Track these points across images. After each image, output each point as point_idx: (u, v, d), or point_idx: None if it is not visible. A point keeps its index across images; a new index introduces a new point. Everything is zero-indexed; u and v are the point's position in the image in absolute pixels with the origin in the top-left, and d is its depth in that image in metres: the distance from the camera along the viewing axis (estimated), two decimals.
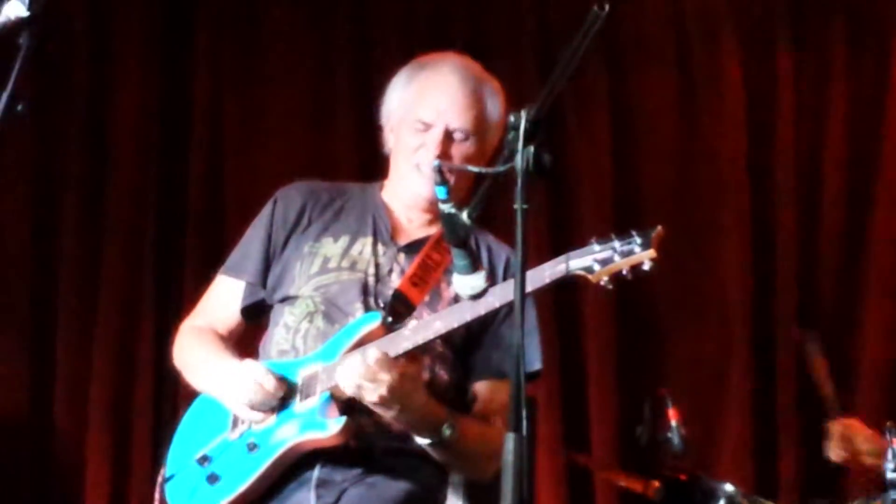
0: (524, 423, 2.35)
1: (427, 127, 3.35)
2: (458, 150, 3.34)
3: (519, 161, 2.38)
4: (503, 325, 3.33)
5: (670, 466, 4.38)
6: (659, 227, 2.97)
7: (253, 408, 3.24)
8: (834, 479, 5.17)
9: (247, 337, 3.54)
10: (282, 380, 3.24)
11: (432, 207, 3.39)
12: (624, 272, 2.98)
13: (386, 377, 3.08)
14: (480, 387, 3.35)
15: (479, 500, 3.46)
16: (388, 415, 3.15)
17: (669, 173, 5.43)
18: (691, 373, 5.33)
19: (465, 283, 2.65)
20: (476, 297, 2.68)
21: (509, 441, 2.34)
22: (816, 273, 5.36)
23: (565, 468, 5.19)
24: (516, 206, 2.38)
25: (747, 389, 5.28)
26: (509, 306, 3.17)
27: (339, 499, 3.21)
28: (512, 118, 2.41)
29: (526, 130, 2.39)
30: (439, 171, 2.61)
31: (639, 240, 2.97)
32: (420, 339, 3.16)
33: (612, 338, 5.31)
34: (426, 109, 3.36)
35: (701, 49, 5.45)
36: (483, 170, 2.52)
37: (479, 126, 3.36)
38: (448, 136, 3.34)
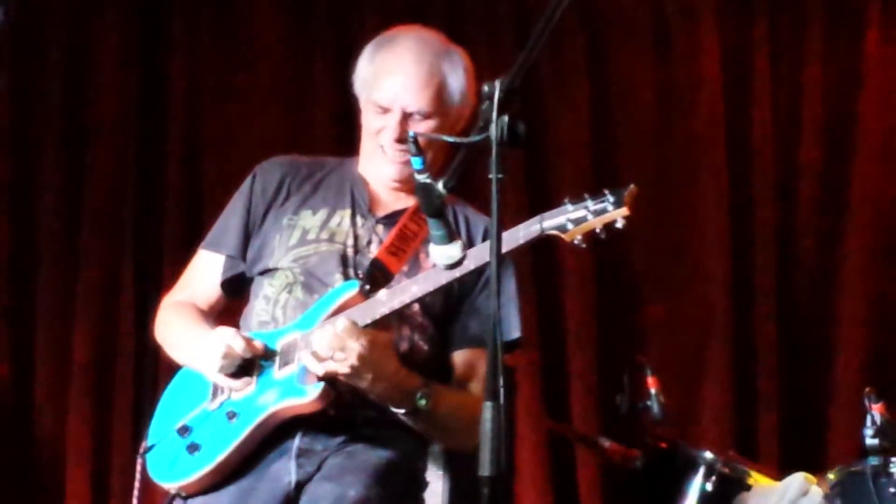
0: (501, 391, 2.35)
1: (385, 110, 3.36)
2: (420, 130, 3.31)
3: (493, 131, 2.38)
4: (482, 294, 3.34)
5: (650, 434, 4.39)
6: (632, 186, 3.00)
7: (225, 372, 3.24)
8: (813, 446, 5.22)
9: (228, 311, 3.55)
10: (253, 341, 3.25)
11: (402, 186, 3.42)
12: (597, 230, 3.01)
13: (355, 345, 3.09)
14: (459, 356, 3.37)
15: (459, 469, 3.48)
16: (360, 385, 3.15)
17: (647, 143, 5.44)
18: (671, 340, 5.36)
19: (441, 252, 2.65)
20: (453, 266, 2.68)
21: (487, 409, 2.34)
22: (795, 240, 5.39)
23: (546, 436, 5.21)
24: (491, 175, 2.38)
25: (727, 357, 5.30)
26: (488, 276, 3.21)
27: (319, 468, 3.22)
28: (486, 88, 2.40)
29: (500, 100, 2.38)
30: (415, 141, 2.60)
31: (612, 198, 3.00)
32: (397, 303, 3.17)
33: (592, 305, 5.33)
34: (382, 93, 3.36)
35: (678, 20, 5.45)
36: (458, 140, 2.51)
37: (438, 103, 3.34)
38: (407, 118, 3.34)
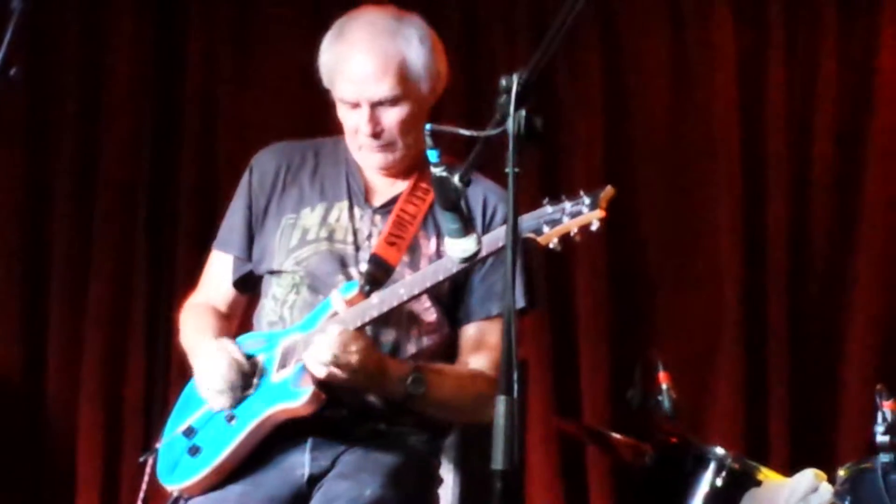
0: (515, 385, 2.33)
1: (354, 105, 3.31)
2: (392, 116, 3.29)
3: (510, 125, 2.37)
4: (482, 270, 3.32)
5: (661, 430, 4.39)
6: (608, 187, 2.98)
7: (216, 398, 3.26)
8: (823, 442, 5.22)
9: (252, 307, 3.54)
10: (243, 363, 3.27)
11: (391, 171, 3.39)
12: (572, 233, 2.99)
13: (353, 348, 3.10)
14: (462, 332, 3.36)
15: (472, 464, 3.49)
16: (355, 383, 3.16)
17: (661, 138, 5.42)
18: (683, 335, 5.34)
19: (457, 246, 2.64)
20: (467, 259, 2.68)
21: (500, 403, 2.32)
22: (808, 234, 5.38)
23: (556, 431, 5.21)
24: (507, 169, 2.37)
25: (738, 353, 5.29)
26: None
27: (333, 463, 3.23)
28: (504, 81, 2.39)
29: (518, 94, 2.37)
30: (430, 134, 2.58)
31: (587, 200, 2.98)
32: (385, 307, 3.17)
33: (604, 299, 5.31)
34: (345, 90, 3.31)
35: (693, 15, 5.44)
36: (474, 133, 2.48)
37: (403, 84, 3.27)
38: (375, 108, 3.29)
